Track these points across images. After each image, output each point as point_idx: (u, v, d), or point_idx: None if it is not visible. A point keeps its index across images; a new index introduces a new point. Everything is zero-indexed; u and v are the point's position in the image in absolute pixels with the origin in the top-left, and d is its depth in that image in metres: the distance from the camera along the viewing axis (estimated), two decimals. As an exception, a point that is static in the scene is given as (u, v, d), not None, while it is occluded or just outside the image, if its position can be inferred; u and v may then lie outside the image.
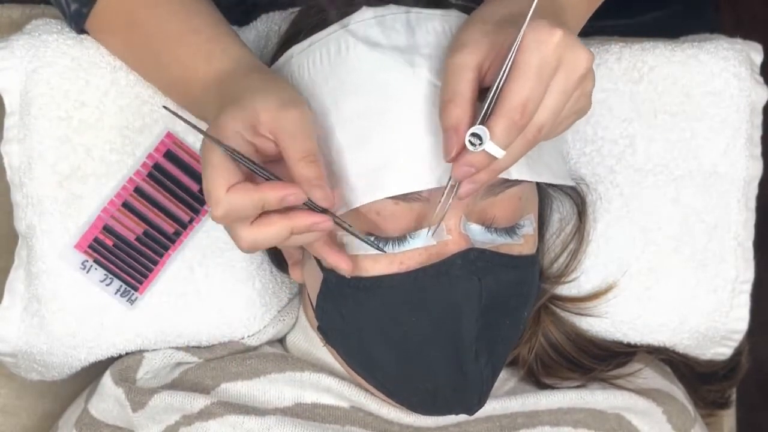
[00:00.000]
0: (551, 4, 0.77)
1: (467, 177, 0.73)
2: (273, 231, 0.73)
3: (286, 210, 0.73)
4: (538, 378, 0.95)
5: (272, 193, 0.72)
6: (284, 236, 0.73)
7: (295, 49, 0.84)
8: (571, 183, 0.89)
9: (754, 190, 0.97)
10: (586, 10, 0.84)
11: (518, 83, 0.70)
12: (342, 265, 0.78)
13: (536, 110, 0.71)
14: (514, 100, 0.70)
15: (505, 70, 0.70)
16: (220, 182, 0.72)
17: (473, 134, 0.71)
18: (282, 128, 0.73)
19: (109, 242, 0.92)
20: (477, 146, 0.71)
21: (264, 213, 0.73)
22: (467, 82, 0.72)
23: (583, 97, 0.75)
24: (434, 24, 0.80)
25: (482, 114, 0.71)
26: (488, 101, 0.71)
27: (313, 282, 0.86)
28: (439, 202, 0.76)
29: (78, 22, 0.89)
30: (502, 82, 0.70)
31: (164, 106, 0.79)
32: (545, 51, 0.69)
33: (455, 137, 0.72)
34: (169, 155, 0.92)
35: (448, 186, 0.76)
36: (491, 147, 0.71)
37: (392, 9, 0.80)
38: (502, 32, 0.73)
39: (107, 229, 0.92)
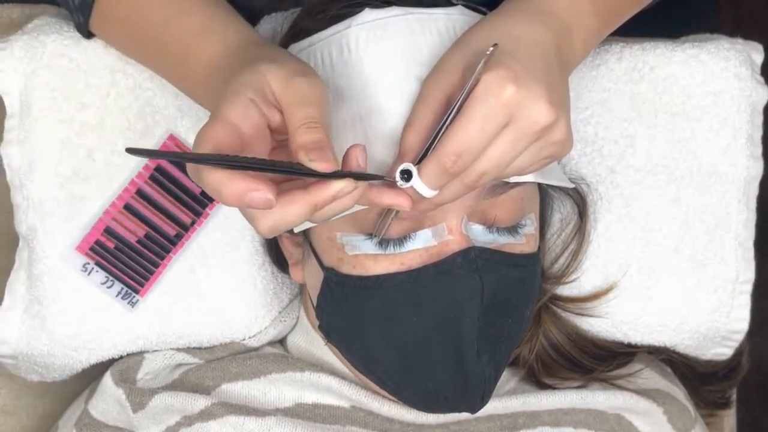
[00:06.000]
0: (554, 24, 0.76)
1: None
2: (294, 211, 0.67)
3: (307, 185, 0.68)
4: (538, 378, 0.95)
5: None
6: (307, 214, 0.67)
7: (294, 48, 0.84)
8: (570, 185, 0.89)
9: (754, 190, 0.97)
10: (598, 30, 0.81)
11: (458, 132, 0.69)
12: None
13: (475, 159, 0.70)
14: (450, 147, 0.69)
15: (451, 113, 0.70)
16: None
17: (403, 171, 0.71)
18: (289, 97, 0.69)
19: (110, 245, 0.92)
20: (405, 182, 0.71)
21: (283, 192, 0.67)
22: (431, 111, 0.72)
23: (551, 146, 0.73)
24: (438, 25, 0.80)
25: (424, 151, 0.71)
26: (430, 140, 0.71)
27: (314, 281, 0.86)
28: (392, 213, 0.77)
29: (84, 12, 0.87)
30: (447, 124, 0.70)
31: (128, 149, 0.64)
32: (492, 105, 0.68)
33: (402, 163, 0.72)
34: (171, 157, 0.92)
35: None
36: (419, 185, 0.71)
37: (395, 11, 0.80)
38: (477, 65, 0.71)
39: (109, 232, 0.92)
